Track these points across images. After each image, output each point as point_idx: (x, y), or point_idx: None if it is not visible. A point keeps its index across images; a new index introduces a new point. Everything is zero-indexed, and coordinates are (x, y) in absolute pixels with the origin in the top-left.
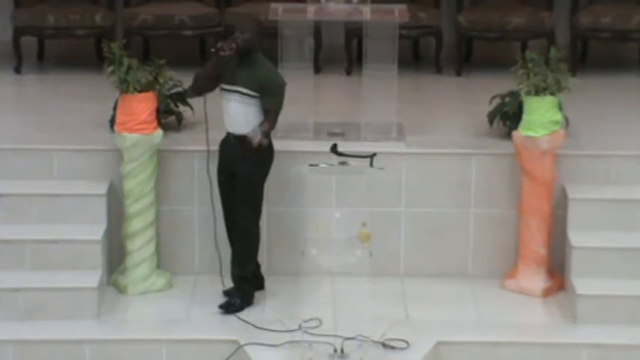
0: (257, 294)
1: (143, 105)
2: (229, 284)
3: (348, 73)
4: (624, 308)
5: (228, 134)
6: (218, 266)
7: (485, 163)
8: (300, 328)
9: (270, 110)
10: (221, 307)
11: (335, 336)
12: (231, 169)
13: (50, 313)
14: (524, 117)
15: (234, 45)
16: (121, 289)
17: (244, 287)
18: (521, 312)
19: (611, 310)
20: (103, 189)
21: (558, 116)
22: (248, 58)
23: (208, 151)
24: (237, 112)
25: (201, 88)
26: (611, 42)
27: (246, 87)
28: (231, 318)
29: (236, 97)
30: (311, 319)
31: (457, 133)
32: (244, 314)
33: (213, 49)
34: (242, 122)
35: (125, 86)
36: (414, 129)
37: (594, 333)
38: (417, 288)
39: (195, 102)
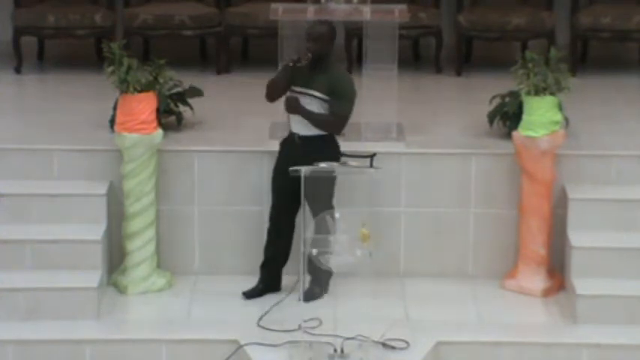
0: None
1: (143, 105)
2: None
3: (348, 73)
4: (624, 308)
5: (292, 134)
6: (220, 266)
7: (485, 163)
8: (300, 328)
9: (337, 113)
10: (305, 298)
11: (335, 336)
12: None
13: (50, 313)
14: (524, 117)
15: (309, 55)
16: (121, 289)
17: (321, 276)
18: (521, 312)
19: (611, 310)
20: (103, 189)
21: (558, 116)
22: (321, 63)
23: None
24: None
25: (275, 95)
26: (611, 42)
27: (319, 91)
28: (231, 318)
29: (307, 100)
30: (311, 319)
31: (457, 133)
32: (245, 313)
33: (291, 63)
34: (309, 124)
35: (125, 86)
36: (414, 129)
37: (594, 333)
38: (417, 288)
39: (196, 102)
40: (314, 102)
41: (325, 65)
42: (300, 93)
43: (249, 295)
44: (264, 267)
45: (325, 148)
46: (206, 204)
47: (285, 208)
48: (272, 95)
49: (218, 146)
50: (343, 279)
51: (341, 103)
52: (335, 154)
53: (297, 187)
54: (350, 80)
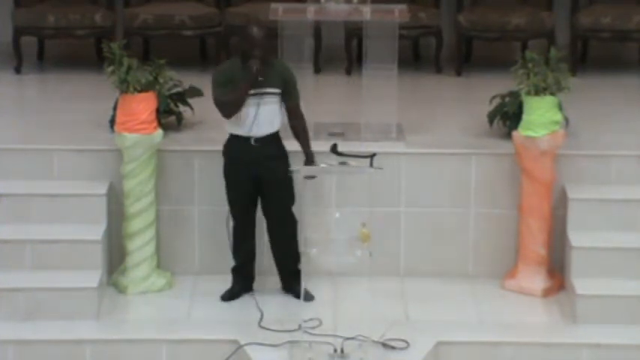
0: (257, 294)
1: (143, 105)
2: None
3: (348, 73)
4: (624, 308)
5: (248, 139)
6: (220, 266)
7: (485, 163)
8: (300, 328)
9: (296, 105)
10: (305, 298)
11: (335, 336)
12: (258, 172)
13: (50, 313)
14: (524, 117)
15: (258, 62)
16: (121, 289)
17: (299, 278)
18: (521, 312)
19: (611, 310)
20: (103, 189)
21: (558, 116)
22: (267, 62)
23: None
24: (264, 114)
25: (238, 110)
26: (611, 42)
27: (273, 86)
28: (231, 318)
29: (262, 99)
30: (311, 319)
31: (457, 133)
32: (245, 313)
33: (259, 77)
34: (268, 123)
35: (125, 86)
36: (414, 129)
37: (594, 333)
38: (417, 288)
39: (195, 102)
40: (271, 99)
41: (269, 62)
42: (254, 95)
43: (228, 297)
44: (240, 269)
45: (278, 145)
46: (206, 204)
47: (248, 210)
48: (235, 111)
49: (218, 146)
50: (343, 279)
51: (295, 93)
52: (285, 151)
53: (255, 189)
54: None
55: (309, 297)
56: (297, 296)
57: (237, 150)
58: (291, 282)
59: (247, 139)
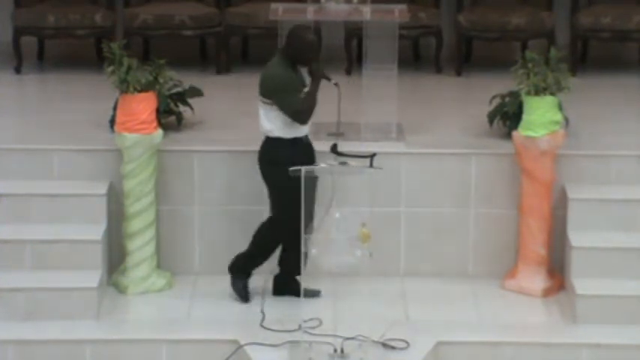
0: (256, 294)
1: (143, 105)
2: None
3: (348, 73)
4: (624, 308)
5: (301, 139)
6: (220, 266)
7: (485, 163)
8: (300, 328)
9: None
10: (303, 295)
11: (335, 336)
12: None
13: (50, 313)
14: (524, 117)
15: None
16: (121, 289)
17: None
18: (521, 312)
19: (611, 310)
20: (103, 189)
21: (558, 116)
22: None
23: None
24: None
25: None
26: (611, 42)
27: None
28: (231, 318)
29: None
30: (311, 319)
31: (457, 133)
32: (245, 313)
33: (334, 82)
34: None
35: (125, 86)
36: (414, 129)
37: (594, 333)
38: (417, 288)
39: (196, 102)
40: None
41: None
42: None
43: (246, 298)
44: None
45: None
46: (206, 204)
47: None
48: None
49: (218, 146)
50: (343, 279)
51: None
52: None
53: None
54: None
55: (313, 293)
56: (298, 294)
57: (299, 152)
58: (291, 282)
59: (301, 139)
